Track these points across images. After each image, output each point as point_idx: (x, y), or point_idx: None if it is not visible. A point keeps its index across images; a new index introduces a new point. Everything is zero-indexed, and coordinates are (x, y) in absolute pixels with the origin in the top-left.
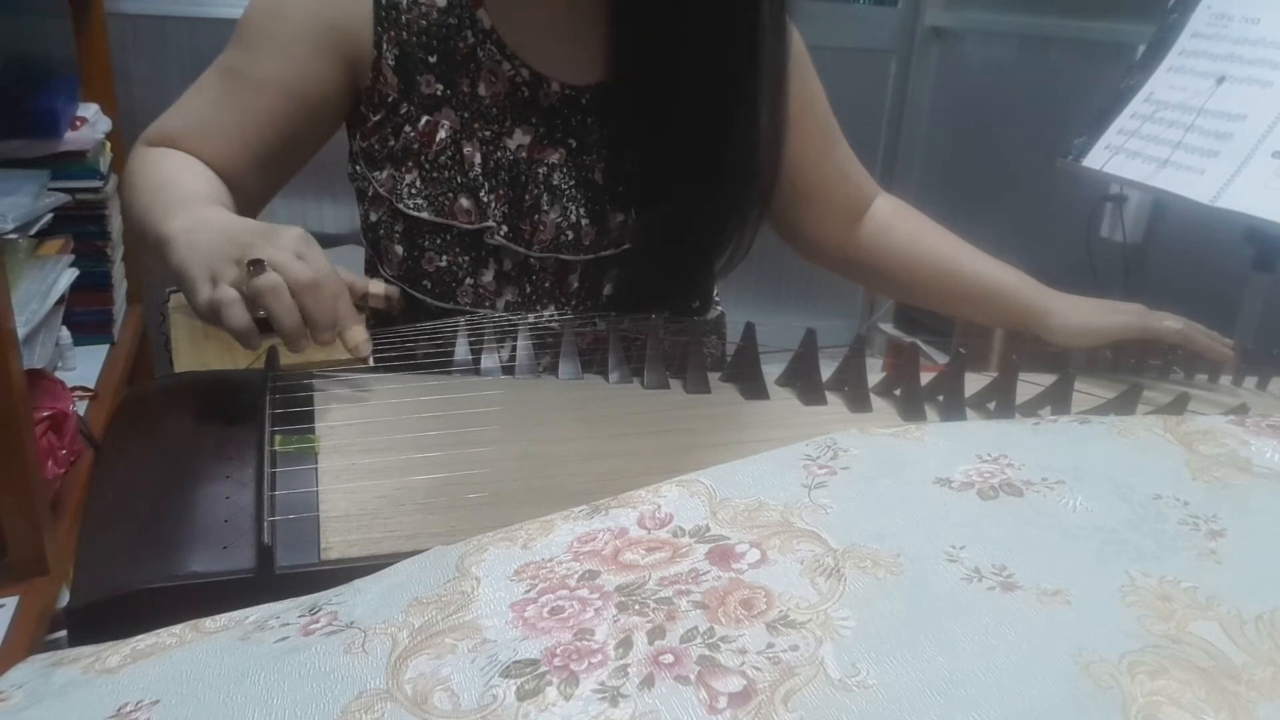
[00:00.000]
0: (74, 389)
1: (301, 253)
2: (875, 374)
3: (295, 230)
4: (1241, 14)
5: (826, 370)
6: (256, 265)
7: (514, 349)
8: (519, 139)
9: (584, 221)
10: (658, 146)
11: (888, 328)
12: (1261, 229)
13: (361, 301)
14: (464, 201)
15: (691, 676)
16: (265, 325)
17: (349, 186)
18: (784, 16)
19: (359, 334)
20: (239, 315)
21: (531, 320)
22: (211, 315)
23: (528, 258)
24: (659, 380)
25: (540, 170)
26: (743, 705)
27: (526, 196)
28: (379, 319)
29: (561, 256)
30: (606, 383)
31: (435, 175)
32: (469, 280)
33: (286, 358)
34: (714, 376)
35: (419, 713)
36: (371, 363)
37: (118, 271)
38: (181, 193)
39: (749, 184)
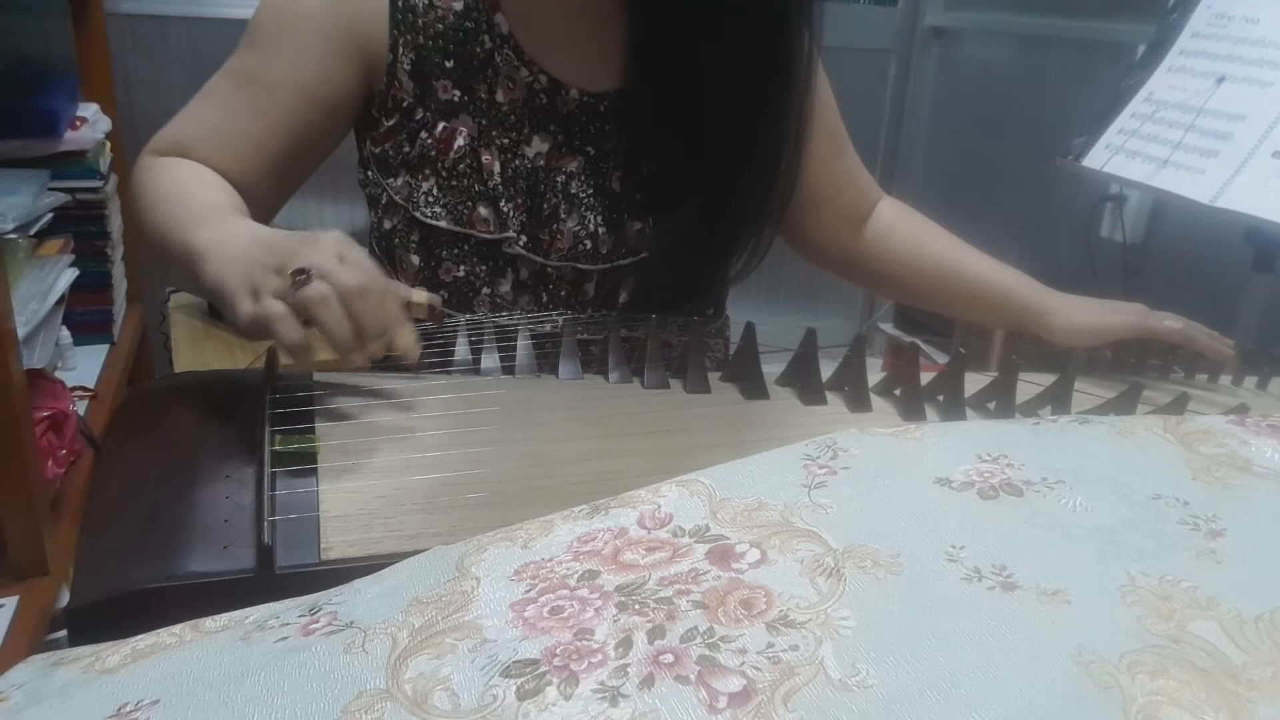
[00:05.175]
0: (74, 389)
1: (344, 256)
2: (875, 374)
3: (334, 233)
4: (1241, 14)
5: (826, 370)
6: (302, 274)
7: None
8: (537, 146)
9: (601, 230)
10: (676, 155)
11: (888, 328)
12: (1261, 229)
13: (405, 311)
14: (483, 210)
15: (691, 676)
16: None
17: (350, 188)
18: (810, 26)
19: (408, 336)
20: (292, 330)
21: (541, 322)
22: (257, 330)
23: (545, 267)
24: (659, 380)
25: (559, 179)
26: (743, 705)
27: (545, 205)
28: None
29: (579, 265)
30: (606, 383)
31: (454, 184)
32: (486, 290)
33: (287, 358)
34: (714, 376)
35: (419, 713)
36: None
37: (118, 271)
38: (203, 203)
39: (767, 193)
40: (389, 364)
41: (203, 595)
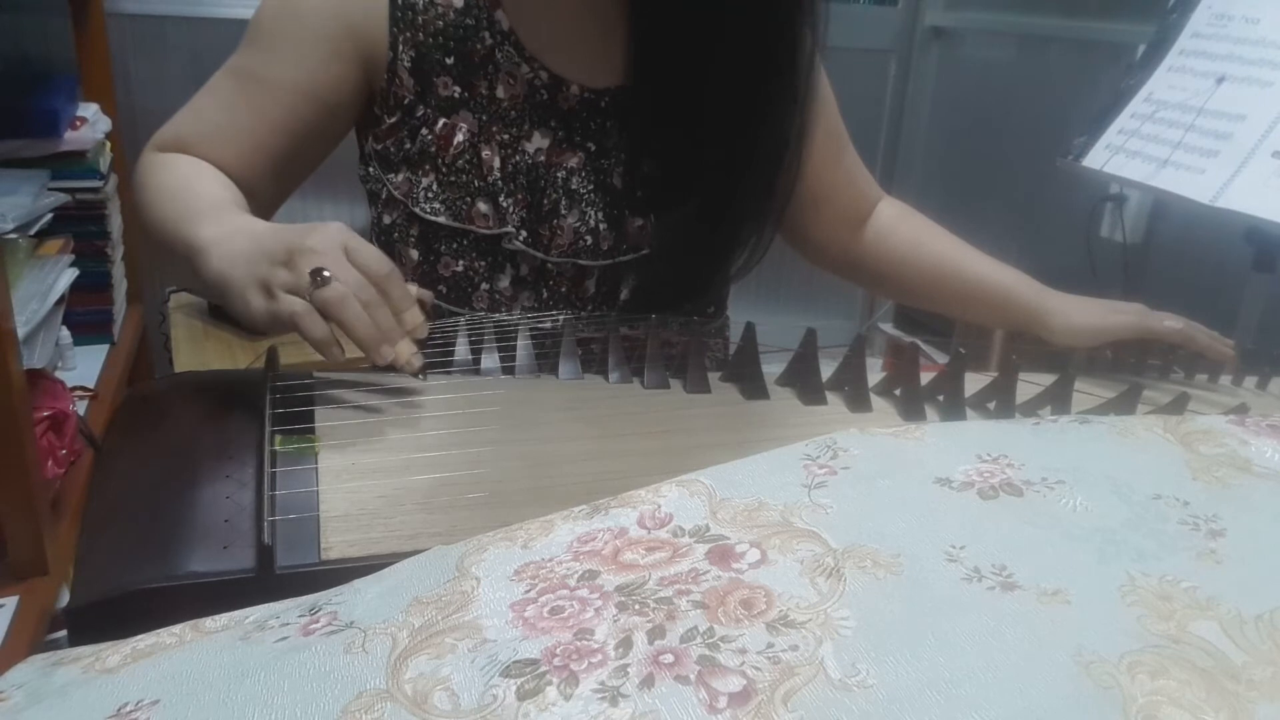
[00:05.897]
0: (74, 389)
1: (349, 246)
2: (875, 374)
3: (336, 225)
4: (1241, 14)
5: (826, 370)
6: (320, 276)
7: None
8: (538, 142)
9: (602, 226)
10: (677, 151)
11: (888, 328)
12: (1261, 229)
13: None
14: (482, 206)
15: (691, 676)
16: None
17: (349, 185)
18: (811, 25)
19: (408, 348)
20: (319, 326)
21: (542, 320)
22: (276, 325)
23: (545, 263)
24: (659, 380)
25: (559, 174)
26: (743, 705)
27: (545, 201)
28: None
29: (579, 261)
30: (606, 383)
31: (453, 179)
32: (485, 285)
33: (287, 358)
34: (714, 376)
35: (419, 713)
36: (421, 373)
37: (118, 271)
38: (204, 199)
39: (768, 190)
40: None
41: (203, 595)
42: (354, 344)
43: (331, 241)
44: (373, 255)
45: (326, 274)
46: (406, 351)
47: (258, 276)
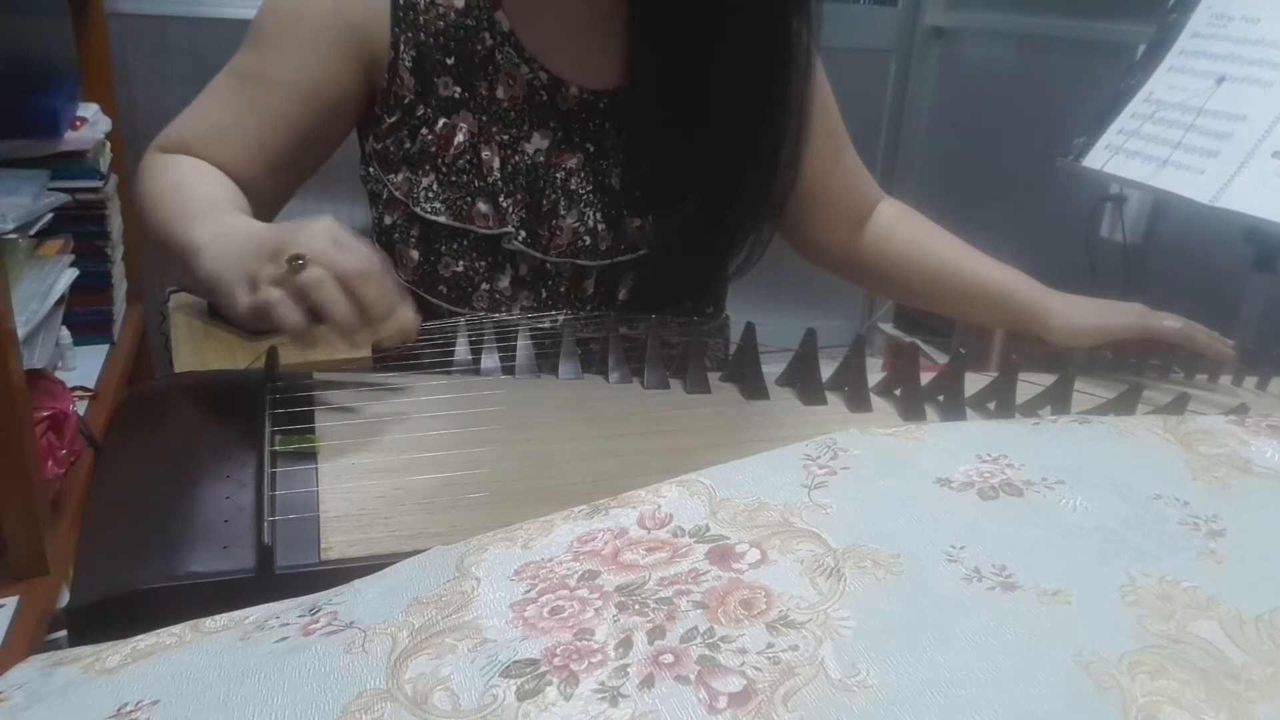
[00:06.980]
0: (74, 389)
1: (338, 240)
2: (875, 374)
3: (325, 219)
4: (1241, 14)
5: (826, 370)
6: (298, 260)
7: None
8: (537, 143)
9: (601, 226)
10: (676, 152)
11: (888, 328)
12: (1261, 229)
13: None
14: (482, 206)
15: (691, 676)
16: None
17: (350, 185)
18: (807, 25)
19: (407, 313)
20: (291, 313)
21: (541, 319)
22: (257, 319)
23: (544, 263)
24: (659, 380)
25: (558, 175)
26: (743, 705)
27: (544, 201)
28: None
29: (578, 261)
30: (606, 383)
31: (453, 179)
32: (485, 285)
33: (287, 358)
34: (714, 376)
35: (419, 713)
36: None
37: (118, 271)
38: (202, 200)
39: (767, 189)
40: (387, 355)
41: (203, 595)
42: (333, 329)
43: (319, 235)
44: (358, 246)
45: (302, 259)
46: (405, 317)
47: (245, 273)
